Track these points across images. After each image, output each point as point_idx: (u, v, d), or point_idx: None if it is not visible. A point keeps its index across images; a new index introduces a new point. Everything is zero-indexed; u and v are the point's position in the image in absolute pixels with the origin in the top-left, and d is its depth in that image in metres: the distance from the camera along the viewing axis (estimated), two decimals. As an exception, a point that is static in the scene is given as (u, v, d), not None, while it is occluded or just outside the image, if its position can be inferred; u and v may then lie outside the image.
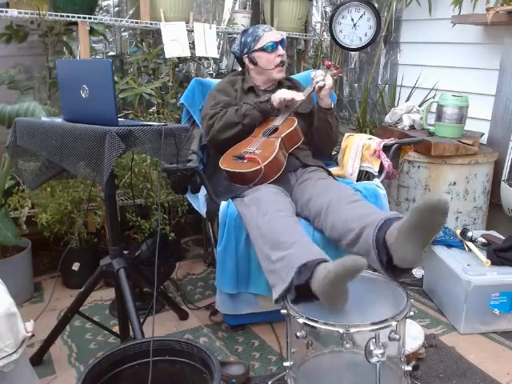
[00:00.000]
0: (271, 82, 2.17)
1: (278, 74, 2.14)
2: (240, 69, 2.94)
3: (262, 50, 2.10)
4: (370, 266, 1.48)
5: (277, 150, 1.87)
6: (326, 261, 1.41)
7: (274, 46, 2.09)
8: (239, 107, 2.02)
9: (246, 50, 2.14)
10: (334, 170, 2.28)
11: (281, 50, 2.11)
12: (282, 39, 2.14)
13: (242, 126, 2.00)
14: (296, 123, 2.00)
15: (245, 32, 2.17)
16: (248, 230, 1.74)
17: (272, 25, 2.95)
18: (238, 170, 1.86)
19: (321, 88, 2.06)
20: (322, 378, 1.45)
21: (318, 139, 2.18)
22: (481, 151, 2.43)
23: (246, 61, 2.17)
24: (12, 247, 2.24)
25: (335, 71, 2.22)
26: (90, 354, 1.86)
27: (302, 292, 1.39)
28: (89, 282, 1.77)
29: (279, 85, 2.19)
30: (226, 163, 1.92)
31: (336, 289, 1.29)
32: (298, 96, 2.01)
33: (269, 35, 2.11)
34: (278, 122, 2.03)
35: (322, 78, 2.06)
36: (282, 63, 2.12)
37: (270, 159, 1.84)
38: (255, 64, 2.14)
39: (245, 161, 1.88)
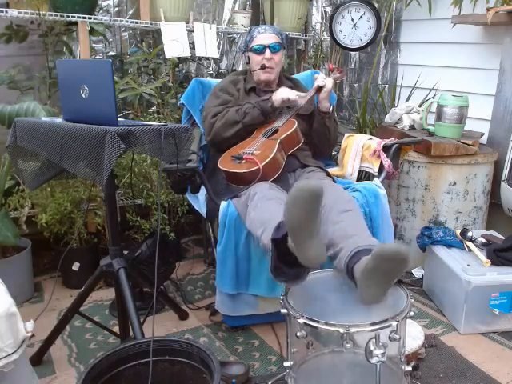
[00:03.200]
0: (261, 82, 2.17)
1: (263, 75, 2.13)
2: (241, 68, 2.94)
3: (252, 50, 2.13)
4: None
5: (275, 151, 1.87)
6: None
7: (261, 49, 2.09)
8: (241, 106, 2.03)
9: (245, 49, 2.19)
10: (334, 170, 2.28)
11: (267, 54, 2.09)
12: (274, 43, 2.09)
13: (243, 124, 2.01)
14: (296, 125, 2.00)
15: (249, 31, 2.19)
16: (245, 224, 1.75)
17: (272, 24, 2.94)
18: (236, 170, 1.86)
19: (320, 88, 2.06)
20: (322, 378, 1.45)
21: (316, 141, 2.20)
22: (481, 151, 2.43)
23: (246, 59, 2.20)
24: (12, 247, 2.24)
25: (338, 74, 2.23)
26: (89, 354, 1.87)
27: (281, 254, 1.38)
28: (89, 282, 1.77)
29: (280, 83, 2.20)
30: (224, 163, 1.92)
31: (298, 213, 1.26)
32: (300, 99, 2.00)
33: (259, 38, 2.11)
34: (278, 123, 2.03)
35: (322, 79, 2.07)
36: (263, 67, 2.10)
37: (267, 160, 1.84)
38: (249, 64, 2.18)
39: (243, 161, 1.88)
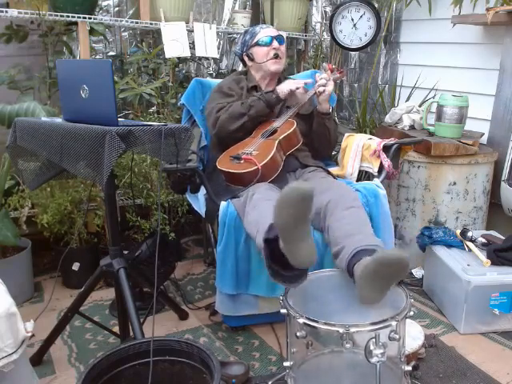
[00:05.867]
0: (269, 76, 2.18)
1: (273, 66, 2.14)
2: (240, 68, 2.93)
3: (257, 44, 2.13)
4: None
5: (273, 152, 1.87)
6: None
7: (269, 40, 2.12)
8: (245, 100, 2.05)
9: (245, 48, 2.18)
10: (334, 170, 2.28)
11: (276, 44, 2.13)
12: (280, 35, 2.16)
13: (248, 117, 2.01)
14: (295, 126, 2.00)
15: (245, 32, 2.22)
16: (244, 226, 1.75)
17: (272, 25, 2.94)
18: (235, 170, 1.86)
19: (320, 93, 2.06)
20: (322, 378, 1.45)
21: (316, 142, 2.20)
22: (481, 151, 2.43)
23: (246, 59, 2.20)
24: (12, 247, 2.24)
25: (338, 75, 2.22)
26: (89, 354, 1.87)
27: (275, 256, 1.39)
28: (89, 282, 1.77)
29: (279, 83, 2.19)
30: (223, 164, 1.92)
31: (288, 213, 1.26)
32: (302, 94, 2.02)
33: (265, 31, 2.15)
34: (277, 123, 2.03)
35: (324, 82, 2.07)
36: (275, 56, 2.12)
37: (266, 160, 1.84)
38: (253, 60, 2.17)
39: (241, 161, 1.88)
